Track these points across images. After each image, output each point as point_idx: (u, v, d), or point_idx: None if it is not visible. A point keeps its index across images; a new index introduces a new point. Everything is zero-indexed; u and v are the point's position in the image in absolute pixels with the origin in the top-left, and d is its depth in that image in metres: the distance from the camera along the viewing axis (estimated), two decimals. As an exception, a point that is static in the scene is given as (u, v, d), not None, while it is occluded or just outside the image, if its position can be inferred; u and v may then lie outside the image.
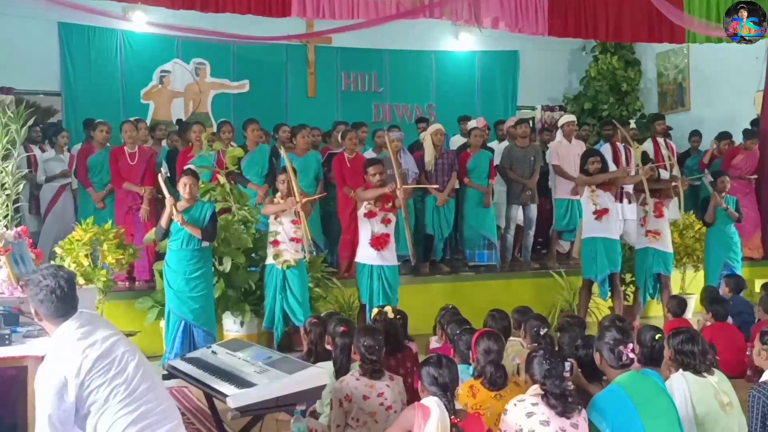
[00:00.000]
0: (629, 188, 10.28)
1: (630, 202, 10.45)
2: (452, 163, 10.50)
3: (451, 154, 10.64)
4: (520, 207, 11.08)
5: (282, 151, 8.74)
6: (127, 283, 9.42)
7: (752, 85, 12.11)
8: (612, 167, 10.38)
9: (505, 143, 11.57)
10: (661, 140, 11.52)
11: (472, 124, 11.49)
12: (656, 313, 10.08)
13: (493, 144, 11.81)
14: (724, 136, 11.86)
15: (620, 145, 11.18)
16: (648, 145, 11.48)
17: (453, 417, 4.03)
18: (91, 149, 10.07)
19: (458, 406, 4.25)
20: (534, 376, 4.31)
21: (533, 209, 11.14)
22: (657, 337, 5.23)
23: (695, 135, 12.61)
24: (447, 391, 4.12)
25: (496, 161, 11.04)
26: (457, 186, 10.59)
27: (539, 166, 11.08)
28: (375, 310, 6.35)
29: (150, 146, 10.59)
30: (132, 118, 10.47)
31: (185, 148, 10.07)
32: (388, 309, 6.12)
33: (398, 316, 6.17)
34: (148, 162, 9.69)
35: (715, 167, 11.38)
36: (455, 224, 10.69)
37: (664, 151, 11.05)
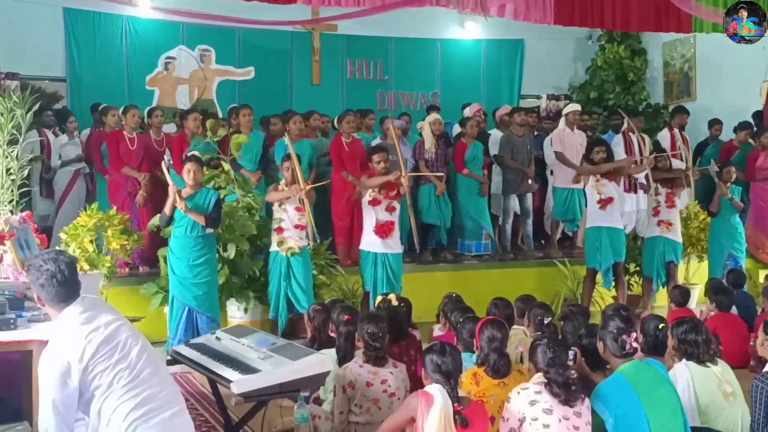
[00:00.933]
0: (642, 178, 10.28)
1: (645, 192, 10.45)
2: (446, 153, 10.56)
3: (443, 145, 10.67)
4: (517, 197, 11.08)
5: (286, 139, 8.74)
6: (127, 270, 9.42)
7: (759, 75, 12.07)
8: (622, 157, 10.38)
9: (499, 132, 11.57)
10: (676, 131, 11.48)
11: (466, 112, 11.49)
12: (662, 302, 10.07)
13: (491, 132, 11.78)
14: (744, 126, 11.63)
15: (632, 135, 11.15)
16: (665, 135, 11.46)
17: (456, 404, 4.04)
18: (104, 135, 10.11)
19: (462, 393, 4.26)
20: (538, 364, 4.32)
21: (529, 198, 11.14)
22: (660, 326, 5.23)
23: (716, 123, 12.29)
24: (450, 378, 4.13)
25: (494, 150, 11.05)
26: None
27: (533, 154, 11.09)
28: (379, 298, 6.36)
29: (172, 133, 10.64)
30: (148, 107, 10.51)
31: (178, 136, 10.08)
32: (392, 296, 6.14)
33: (402, 304, 6.18)
34: (147, 147, 9.72)
35: (736, 159, 11.20)
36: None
37: (680, 143, 11.03)
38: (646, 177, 9.72)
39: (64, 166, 10.54)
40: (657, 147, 10.23)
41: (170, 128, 11.16)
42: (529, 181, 10.97)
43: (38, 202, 10.26)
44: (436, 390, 4.10)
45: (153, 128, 9.97)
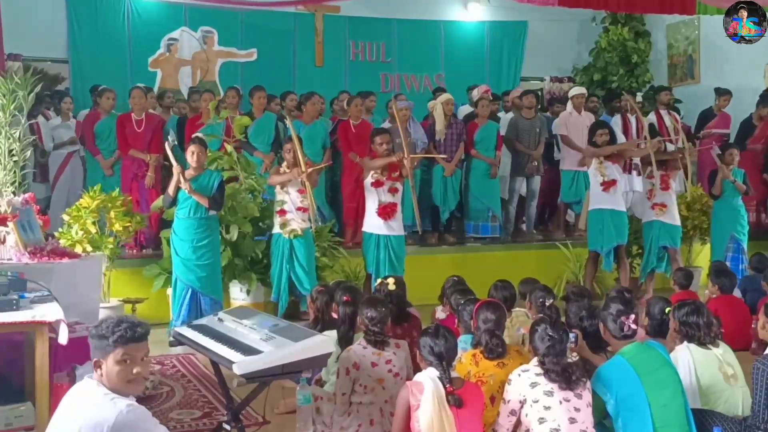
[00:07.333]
0: (637, 160, 10.25)
1: (639, 174, 10.42)
2: (461, 133, 10.50)
3: (460, 125, 10.64)
4: (524, 179, 11.06)
5: (288, 120, 8.74)
6: (133, 251, 9.46)
7: (762, 58, 12.03)
8: (621, 139, 10.35)
9: (510, 114, 11.55)
10: (664, 112, 11.42)
11: (474, 94, 11.45)
12: (668, 284, 10.05)
13: (500, 115, 11.76)
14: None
15: (631, 117, 11.12)
16: (651, 118, 11.40)
17: (449, 386, 4.06)
18: (98, 116, 10.11)
19: (455, 374, 4.26)
20: (537, 350, 4.33)
21: (537, 181, 11.12)
22: (667, 310, 5.24)
23: None
24: (443, 360, 4.15)
25: (502, 132, 11.01)
26: (462, 156, 10.61)
27: (544, 137, 11.06)
28: (378, 281, 6.35)
29: (159, 114, 10.62)
30: (141, 85, 10.48)
31: (194, 116, 10.08)
32: (389, 281, 6.09)
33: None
34: (154, 129, 9.71)
35: None
36: (460, 195, 10.70)
37: (669, 124, 10.97)
38: (644, 160, 9.65)
39: (57, 149, 10.50)
40: (652, 129, 10.18)
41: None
42: (534, 164, 10.94)
43: (33, 186, 10.22)
44: (424, 376, 4.13)
45: (135, 110, 9.77)
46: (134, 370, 3.34)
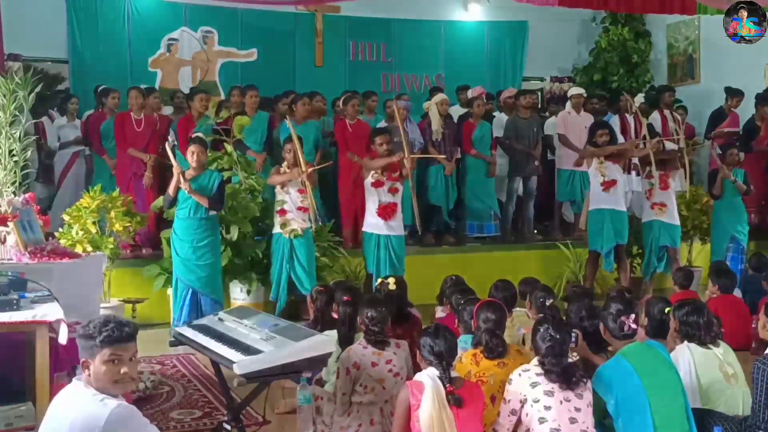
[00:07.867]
0: (636, 160, 10.26)
1: (638, 174, 10.43)
2: (456, 133, 10.51)
3: (454, 124, 10.65)
4: (521, 179, 11.06)
5: (288, 120, 8.74)
6: (127, 251, 9.41)
7: (763, 58, 12.02)
8: (620, 139, 10.35)
9: (504, 114, 11.54)
10: (667, 112, 11.43)
11: (470, 94, 11.46)
12: (669, 284, 10.05)
13: (494, 114, 11.75)
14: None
15: (629, 117, 11.12)
16: (655, 117, 11.40)
17: (449, 385, 4.05)
18: (103, 116, 10.16)
19: (455, 374, 4.26)
20: (538, 350, 4.32)
21: (534, 180, 11.12)
22: (666, 310, 5.24)
23: None
24: (443, 360, 4.14)
25: (498, 133, 11.02)
26: (458, 156, 10.62)
27: (541, 137, 11.06)
28: (378, 281, 6.35)
29: (170, 114, 10.63)
30: (143, 86, 10.49)
31: (184, 116, 10.08)
32: (390, 280, 6.09)
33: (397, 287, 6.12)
34: (153, 129, 9.71)
35: None
36: (458, 194, 10.71)
37: (672, 123, 10.98)
38: (644, 160, 9.66)
39: (62, 149, 10.53)
40: (650, 129, 10.20)
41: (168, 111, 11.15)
42: (536, 163, 10.95)
43: (35, 187, 10.25)
44: (424, 376, 4.12)
45: (134, 110, 9.80)
46: (121, 371, 3.34)
